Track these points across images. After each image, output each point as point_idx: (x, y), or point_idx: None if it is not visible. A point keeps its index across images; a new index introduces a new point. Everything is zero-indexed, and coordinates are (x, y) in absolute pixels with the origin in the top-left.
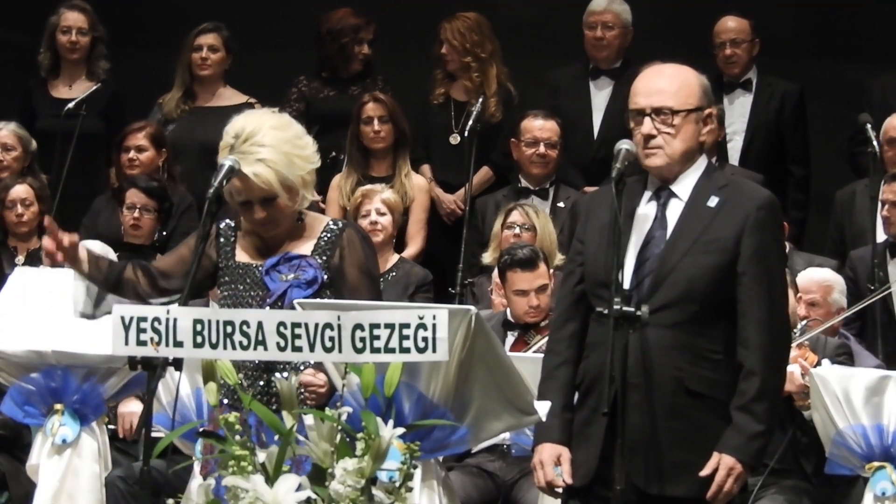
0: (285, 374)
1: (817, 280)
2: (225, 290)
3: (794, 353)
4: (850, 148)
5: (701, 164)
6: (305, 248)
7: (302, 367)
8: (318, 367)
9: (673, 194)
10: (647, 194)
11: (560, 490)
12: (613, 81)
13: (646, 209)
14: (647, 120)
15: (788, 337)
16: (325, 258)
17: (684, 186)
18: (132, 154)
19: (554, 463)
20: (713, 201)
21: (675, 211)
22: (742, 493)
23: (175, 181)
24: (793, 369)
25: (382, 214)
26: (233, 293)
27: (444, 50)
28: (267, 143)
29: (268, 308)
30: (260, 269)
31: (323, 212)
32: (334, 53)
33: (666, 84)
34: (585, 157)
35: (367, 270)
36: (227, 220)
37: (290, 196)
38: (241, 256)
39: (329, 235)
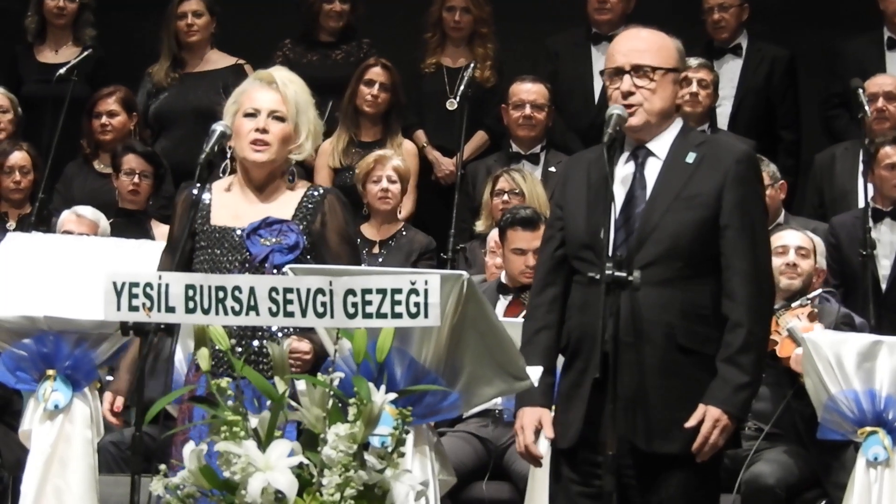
0: (264, 342)
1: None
2: (201, 254)
3: (804, 323)
4: (823, 112)
5: (677, 124)
6: (286, 212)
7: (279, 335)
8: (304, 333)
9: (650, 153)
10: (624, 155)
11: (540, 458)
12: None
13: (624, 169)
14: (626, 77)
15: (772, 288)
16: (305, 223)
17: (661, 145)
18: (104, 119)
19: (535, 427)
20: (691, 157)
21: (653, 169)
22: (736, 447)
23: (147, 146)
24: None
25: (393, 182)
26: (210, 257)
27: (458, 17)
28: (296, 81)
29: (247, 273)
30: (239, 232)
31: (311, 175)
32: (308, 14)
33: (644, 44)
34: (585, 121)
35: (348, 237)
36: (199, 185)
37: (295, 132)
38: (218, 220)
39: (310, 201)
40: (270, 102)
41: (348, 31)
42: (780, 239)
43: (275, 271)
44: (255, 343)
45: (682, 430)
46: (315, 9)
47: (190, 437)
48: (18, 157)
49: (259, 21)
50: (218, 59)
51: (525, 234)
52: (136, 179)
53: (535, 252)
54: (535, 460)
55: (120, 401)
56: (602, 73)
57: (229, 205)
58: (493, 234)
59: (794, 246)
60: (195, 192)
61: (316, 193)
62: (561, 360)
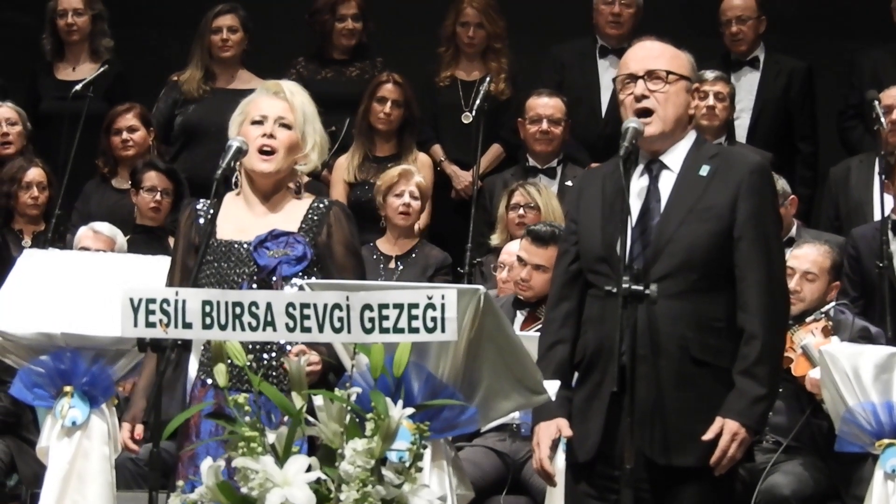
0: (273, 355)
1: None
2: (207, 268)
3: (819, 339)
4: (839, 123)
5: (690, 136)
6: (291, 224)
7: (288, 348)
8: (310, 344)
9: (664, 166)
10: (638, 168)
11: (553, 476)
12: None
13: (638, 183)
14: (640, 82)
15: (787, 299)
16: (311, 236)
17: (675, 158)
18: (125, 135)
19: (552, 441)
20: (705, 170)
21: (667, 182)
22: (750, 460)
23: (163, 160)
24: (818, 375)
25: (415, 198)
26: (216, 271)
27: (471, 32)
28: (303, 92)
29: (255, 285)
30: (245, 246)
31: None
32: (318, 33)
33: (657, 52)
34: (593, 133)
35: (354, 249)
36: (204, 200)
37: (301, 141)
38: (224, 234)
39: (315, 213)
40: (277, 110)
41: (360, 49)
42: (790, 259)
43: (283, 283)
44: (265, 356)
45: (697, 442)
46: (328, 27)
47: (197, 452)
48: (35, 172)
49: (271, 39)
50: (249, 80)
51: (530, 246)
52: (157, 197)
53: (533, 266)
54: (549, 478)
55: (140, 428)
56: (614, 80)
57: (234, 218)
58: (505, 249)
59: (802, 270)
60: (198, 207)
61: (321, 206)
62: (576, 375)
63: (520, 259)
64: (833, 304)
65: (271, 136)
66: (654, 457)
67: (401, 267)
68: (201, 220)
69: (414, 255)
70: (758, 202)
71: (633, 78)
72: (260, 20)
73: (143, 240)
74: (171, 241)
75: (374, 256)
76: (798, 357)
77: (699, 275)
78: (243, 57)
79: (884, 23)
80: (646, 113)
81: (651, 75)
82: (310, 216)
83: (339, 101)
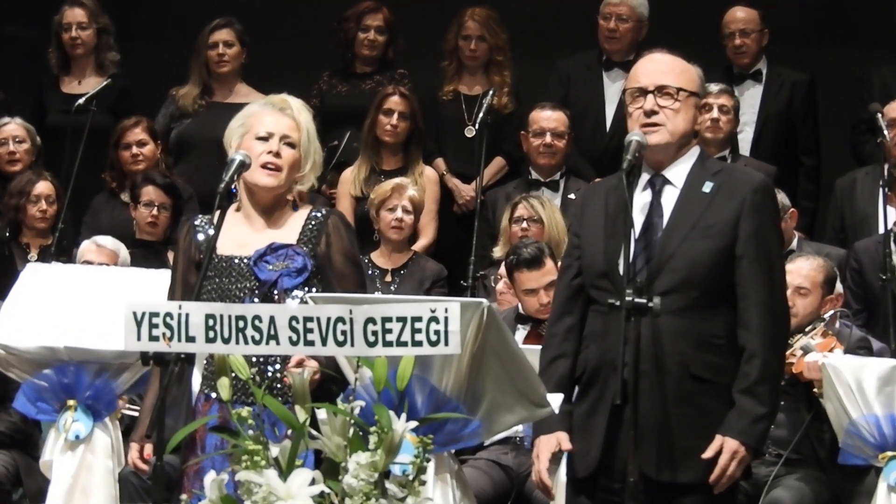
0: (276, 367)
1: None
2: (208, 283)
3: (819, 340)
4: (852, 137)
5: (694, 152)
6: (290, 236)
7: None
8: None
9: (667, 181)
10: (641, 183)
11: (550, 489)
12: (626, 74)
13: (641, 197)
14: (649, 96)
15: (788, 318)
16: (310, 246)
17: (678, 173)
18: (135, 150)
19: (552, 454)
20: (708, 187)
21: (670, 198)
22: (747, 478)
23: (172, 173)
24: (818, 357)
25: (408, 213)
26: (217, 287)
27: (473, 46)
28: (307, 110)
29: (256, 300)
30: (245, 260)
31: (333, 205)
32: (342, 41)
33: (668, 66)
34: (597, 147)
35: (353, 257)
36: (201, 216)
37: (303, 159)
38: (224, 249)
39: (314, 224)
40: (284, 127)
41: (385, 63)
42: None
43: (284, 295)
44: (269, 369)
45: (696, 458)
46: (350, 35)
47: (203, 466)
48: (44, 186)
49: (295, 55)
50: (247, 93)
51: (532, 273)
52: (154, 211)
53: (545, 289)
54: (548, 491)
55: (149, 447)
56: (624, 92)
57: (234, 233)
58: (504, 271)
59: (794, 285)
60: (197, 223)
61: (319, 215)
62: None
63: (530, 290)
64: (832, 312)
65: (277, 154)
66: (651, 473)
67: (397, 280)
68: (200, 236)
69: (410, 269)
70: (761, 221)
71: (643, 92)
72: (289, 34)
73: (142, 254)
74: (170, 255)
75: (370, 271)
76: (799, 359)
77: (700, 291)
78: (242, 71)
79: (887, 34)
80: (653, 126)
81: (661, 91)
82: (308, 226)
83: (345, 115)
